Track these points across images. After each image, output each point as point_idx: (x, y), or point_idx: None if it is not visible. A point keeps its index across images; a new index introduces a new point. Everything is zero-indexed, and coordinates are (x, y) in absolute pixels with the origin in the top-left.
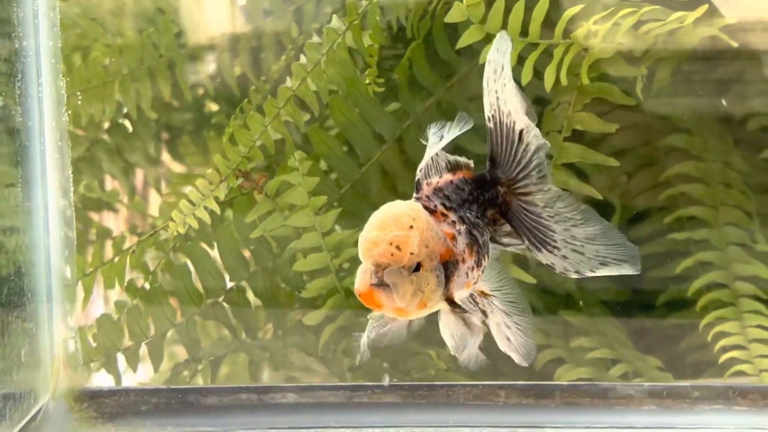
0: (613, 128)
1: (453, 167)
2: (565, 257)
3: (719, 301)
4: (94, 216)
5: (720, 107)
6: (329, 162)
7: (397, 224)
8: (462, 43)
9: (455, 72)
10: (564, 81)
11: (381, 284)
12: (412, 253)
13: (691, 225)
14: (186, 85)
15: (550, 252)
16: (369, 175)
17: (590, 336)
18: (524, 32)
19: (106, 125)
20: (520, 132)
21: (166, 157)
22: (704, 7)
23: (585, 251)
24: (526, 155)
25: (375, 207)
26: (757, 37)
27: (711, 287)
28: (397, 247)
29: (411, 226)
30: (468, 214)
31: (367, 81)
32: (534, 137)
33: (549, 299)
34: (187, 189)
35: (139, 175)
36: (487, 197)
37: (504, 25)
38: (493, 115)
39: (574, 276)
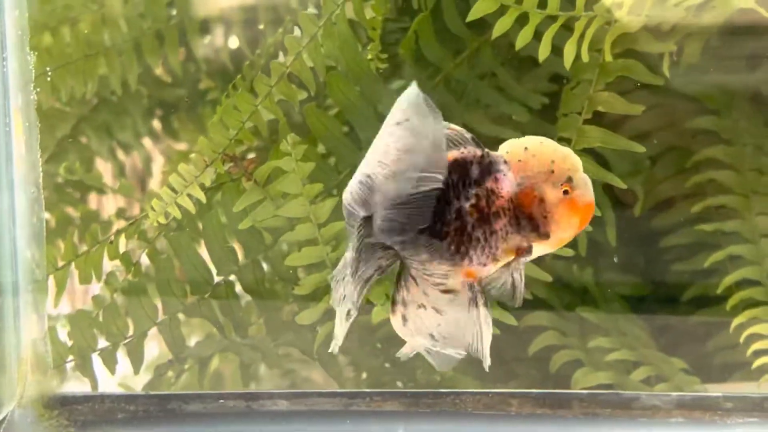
0: (639, 110)
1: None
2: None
3: (752, 300)
4: (77, 201)
5: (752, 86)
6: (327, 145)
7: None
8: (473, 15)
9: (465, 47)
10: (585, 57)
11: None
12: None
13: (720, 215)
14: (176, 58)
15: None
16: None
17: (609, 335)
18: (542, 4)
19: (95, 102)
20: None
21: (158, 136)
22: None
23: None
24: None
25: None
26: None
27: (742, 284)
28: None
29: None
30: None
31: (370, 56)
32: None
33: (565, 294)
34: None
35: (132, 156)
36: None
37: None
38: None
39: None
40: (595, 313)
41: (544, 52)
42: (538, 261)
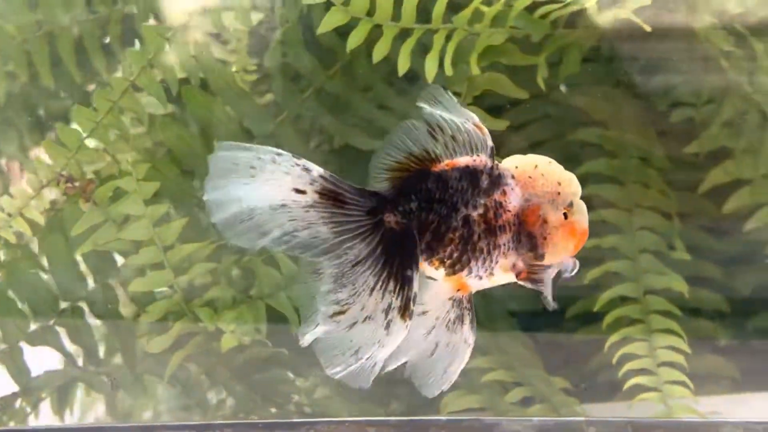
0: (503, 126)
1: None
2: None
3: (627, 318)
4: None
5: (639, 96)
6: (189, 162)
7: None
8: (323, 27)
9: (339, 58)
10: (449, 70)
11: None
12: None
13: (602, 230)
14: (46, 69)
15: None
16: None
17: (489, 354)
18: (398, 16)
19: None
20: None
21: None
22: None
23: None
24: None
25: None
26: (680, 18)
27: (619, 301)
28: None
29: None
30: None
31: (235, 69)
32: None
33: None
34: None
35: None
36: None
37: (372, 7)
38: None
39: None
40: (478, 331)
41: (403, 65)
42: None
